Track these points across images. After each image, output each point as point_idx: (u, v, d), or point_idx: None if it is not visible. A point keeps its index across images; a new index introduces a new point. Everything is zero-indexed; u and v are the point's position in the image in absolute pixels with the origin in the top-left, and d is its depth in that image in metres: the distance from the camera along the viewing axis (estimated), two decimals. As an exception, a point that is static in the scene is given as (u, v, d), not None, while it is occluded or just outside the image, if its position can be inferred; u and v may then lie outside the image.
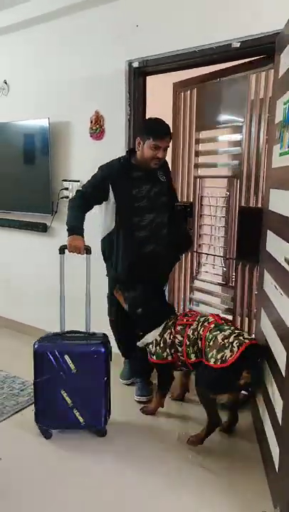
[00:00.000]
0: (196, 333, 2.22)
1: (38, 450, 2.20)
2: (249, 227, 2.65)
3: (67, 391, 2.16)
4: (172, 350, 2.31)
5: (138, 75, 2.92)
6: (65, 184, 3.30)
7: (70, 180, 3.27)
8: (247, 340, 2.03)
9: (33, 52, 3.38)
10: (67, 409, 2.19)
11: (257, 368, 2.07)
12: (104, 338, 2.24)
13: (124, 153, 2.64)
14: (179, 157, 3.18)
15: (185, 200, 3.17)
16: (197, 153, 3.09)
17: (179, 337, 2.29)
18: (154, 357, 2.37)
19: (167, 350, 2.32)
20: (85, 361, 2.14)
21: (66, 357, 2.14)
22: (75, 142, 3.25)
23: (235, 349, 1.99)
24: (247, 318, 2.80)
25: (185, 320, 2.33)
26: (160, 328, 2.37)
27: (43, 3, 3.09)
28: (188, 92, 3.05)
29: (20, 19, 3.25)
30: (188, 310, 2.67)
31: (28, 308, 3.73)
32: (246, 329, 2.78)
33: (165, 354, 2.33)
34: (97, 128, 3.10)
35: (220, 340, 2.06)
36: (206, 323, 2.22)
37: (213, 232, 3.09)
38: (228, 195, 2.95)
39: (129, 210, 2.49)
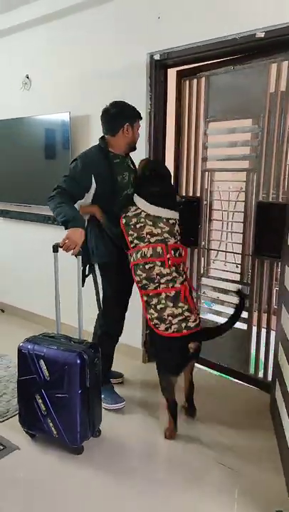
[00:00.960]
0: (158, 277, 2.21)
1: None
2: (269, 223, 2.54)
3: (41, 397, 2.06)
4: None
5: (159, 67, 2.78)
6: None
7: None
8: (185, 331, 2.14)
9: (54, 47, 3.33)
10: (41, 416, 2.09)
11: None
12: (86, 349, 2.07)
13: (145, 146, 2.60)
14: (184, 149, 2.94)
15: (191, 194, 2.95)
16: (206, 146, 2.83)
17: (148, 249, 2.26)
18: None
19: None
20: (58, 370, 2.01)
21: (41, 362, 2.04)
22: (96, 136, 3.08)
23: (172, 331, 2.14)
24: (266, 315, 2.71)
25: (168, 256, 2.22)
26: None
27: (61, 0, 3.03)
28: (195, 80, 2.80)
29: (42, 14, 3.21)
30: None
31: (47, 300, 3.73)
32: (265, 325, 2.70)
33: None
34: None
35: (165, 315, 2.16)
36: (170, 284, 2.19)
37: (224, 228, 2.84)
38: (242, 189, 2.69)
39: (117, 198, 2.37)
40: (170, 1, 2.61)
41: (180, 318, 2.15)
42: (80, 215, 2.27)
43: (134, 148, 2.51)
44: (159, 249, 2.21)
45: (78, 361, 1.99)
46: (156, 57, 2.73)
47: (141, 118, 2.48)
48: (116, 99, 2.93)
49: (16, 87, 3.61)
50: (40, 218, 3.66)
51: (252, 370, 2.80)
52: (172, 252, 2.23)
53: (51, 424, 2.08)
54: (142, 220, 2.24)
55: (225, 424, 2.38)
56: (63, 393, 2.02)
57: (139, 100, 2.80)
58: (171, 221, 2.28)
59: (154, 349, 2.53)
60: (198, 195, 2.91)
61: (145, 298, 2.23)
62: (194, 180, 2.93)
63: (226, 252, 2.87)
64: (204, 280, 3.00)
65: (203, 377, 2.87)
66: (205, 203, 2.89)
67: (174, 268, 2.21)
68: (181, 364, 2.25)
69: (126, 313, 2.62)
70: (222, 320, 2.89)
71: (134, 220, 2.25)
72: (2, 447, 2.15)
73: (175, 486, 1.95)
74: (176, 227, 2.31)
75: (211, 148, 2.83)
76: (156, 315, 2.18)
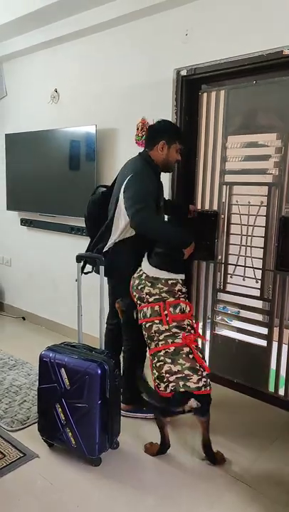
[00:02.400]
0: (157, 334, 2.18)
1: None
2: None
3: (61, 406, 2.08)
4: None
5: (186, 83, 2.81)
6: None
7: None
8: (182, 390, 2.00)
9: (82, 62, 3.41)
10: (60, 426, 2.10)
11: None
12: (107, 359, 2.09)
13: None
14: (200, 162, 2.92)
15: (207, 207, 2.93)
16: (224, 159, 2.81)
17: (148, 309, 2.28)
18: None
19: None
20: (79, 379, 2.02)
21: (62, 370, 2.06)
22: (121, 149, 3.21)
23: (169, 391, 2.01)
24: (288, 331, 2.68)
25: (165, 312, 2.21)
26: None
27: (91, 17, 3.10)
28: (214, 93, 2.80)
29: (71, 31, 3.29)
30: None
31: (69, 309, 3.77)
32: (288, 341, 2.64)
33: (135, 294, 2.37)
34: (143, 135, 3.02)
35: (163, 372, 2.05)
36: (170, 340, 2.14)
37: (243, 242, 2.83)
38: (263, 203, 2.68)
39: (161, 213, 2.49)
40: (197, 18, 2.65)
41: (179, 375, 2.03)
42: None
43: (168, 170, 2.54)
44: (156, 307, 2.22)
45: (99, 371, 2.01)
46: (183, 72, 2.77)
47: (180, 140, 2.47)
48: (142, 114, 3.02)
49: (45, 100, 3.70)
50: (64, 228, 3.72)
51: (272, 388, 2.76)
52: (171, 309, 2.21)
53: (70, 434, 2.09)
54: (143, 281, 2.28)
55: (244, 443, 2.34)
56: (83, 403, 2.04)
57: (166, 115, 2.83)
58: (170, 281, 2.27)
59: None
60: (215, 208, 2.90)
61: (151, 358, 2.18)
62: (211, 194, 2.92)
63: (245, 266, 2.85)
64: (221, 295, 2.98)
65: (219, 395, 2.81)
66: (222, 216, 2.88)
67: (174, 324, 2.18)
68: (169, 412, 2.11)
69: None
70: (239, 336, 2.88)
71: (136, 282, 2.31)
72: (22, 454, 2.18)
73: (192, 502, 1.93)
74: (178, 286, 2.28)
75: (230, 162, 2.82)
76: (156, 374, 2.09)
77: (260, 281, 2.79)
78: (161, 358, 2.10)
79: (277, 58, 2.35)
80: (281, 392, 2.72)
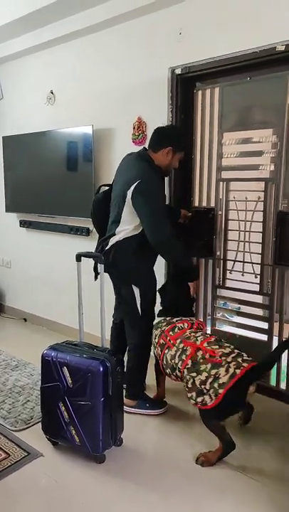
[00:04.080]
0: (173, 361, 2.24)
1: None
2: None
3: (64, 404, 2.10)
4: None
5: (180, 81, 2.83)
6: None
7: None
8: (221, 390, 1.99)
9: (77, 63, 3.43)
10: (64, 424, 2.12)
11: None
12: (109, 357, 2.10)
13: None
14: (197, 159, 2.94)
15: (205, 204, 2.95)
16: (221, 156, 2.83)
17: (159, 350, 2.40)
18: None
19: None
20: (81, 377, 2.04)
21: (65, 369, 2.07)
22: (118, 148, 3.22)
23: (214, 397, 2.01)
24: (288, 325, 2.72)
25: (168, 338, 2.34)
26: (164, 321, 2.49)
27: (85, 18, 3.12)
28: (209, 90, 2.81)
29: (65, 32, 3.31)
30: (196, 321, 2.53)
31: (70, 309, 3.79)
32: (288, 335, 2.62)
33: (152, 347, 2.53)
34: (140, 134, 3.06)
35: (198, 385, 2.07)
36: (183, 356, 2.19)
37: (241, 238, 2.85)
38: (260, 198, 2.70)
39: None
40: (190, 17, 2.67)
41: (210, 380, 2.04)
42: None
43: (166, 175, 2.61)
44: (161, 341, 2.38)
45: (101, 369, 2.02)
46: (178, 71, 2.79)
47: (184, 152, 2.57)
48: (138, 113, 3.03)
49: (41, 102, 3.72)
50: (63, 229, 3.73)
51: (273, 382, 2.77)
52: (169, 333, 2.36)
53: (74, 432, 2.10)
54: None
55: (247, 436, 2.36)
56: (86, 401, 2.05)
57: (161, 113, 2.89)
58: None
59: None
60: (212, 205, 2.91)
61: (184, 383, 2.20)
62: (208, 190, 2.93)
63: (244, 262, 2.86)
64: (220, 291, 3.00)
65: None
66: (220, 213, 2.89)
67: (178, 341, 2.28)
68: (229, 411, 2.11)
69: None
70: (240, 331, 2.90)
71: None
72: (26, 454, 2.19)
73: (197, 497, 1.94)
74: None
75: (226, 158, 2.83)
76: (195, 393, 2.08)
77: (259, 276, 2.80)
78: (188, 376, 2.12)
79: (271, 55, 2.36)
80: (283, 385, 2.73)
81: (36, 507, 1.90)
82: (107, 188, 2.71)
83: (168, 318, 2.48)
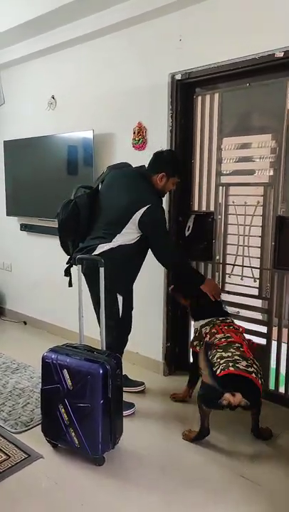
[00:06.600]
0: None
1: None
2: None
3: (64, 407, 2.11)
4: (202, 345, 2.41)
5: (180, 87, 2.87)
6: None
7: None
8: (232, 368, 2.08)
9: (78, 68, 3.46)
10: (64, 426, 2.13)
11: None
12: (109, 360, 2.12)
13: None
14: (196, 164, 2.98)
15: (204, 209, 2.98)
16: (220, 161, 2.86)
17: (208, 337, 2.45)
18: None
19: (197, 341, 2.53)
20: (81, 380, 2.05)
21: (65, 371, 2.09)
22: (118, 153, 3.25)
23: (218, 371, 2.10)
24: (286, 330, 2.73)
25: (216, 341, 2.35)
26: (204, 321, 2.55)
27: (86, 25, 3.16)
28: (208, 96, 2.86)
29: (67, 39, 3.35)
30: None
31: (70, 312, 3.80)
32: (286, 340, 2.68)
33: (195, 343, 2.54)
34: (140, 139, 3.09)
35: (215, 359, 2.18)
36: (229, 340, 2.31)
37: (241, 242, 2.87)
38: (259, 203, 2.73)
39: None
40: (190, 24, 2.70)
41: (229, 359, 2.14)
42: None
43: (161, 196, 2.63)
44: (214, 330, 2.47)
45: (101, 371, 2.03)
46: (178, 77, 2.82)
47: (179, 175, 2.63)
48: (138, 118, 3.06)
49: (42, 107, 3.75)
50: (64, 232, 3.74)
51: (272, 386, 2.78)
52: (225, 327, 2.47)
53: (73, 434, 2.11)
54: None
55: (246, 439, 2.37)
56: (86, 403, 2.06)
57: (162, 118, 2.92)
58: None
59: None
60: (212, 209, 2.94)
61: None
62: (208, 195, 2.96)
63: (243, 266, 2.89)
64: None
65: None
66: (219, 217, 2.92)
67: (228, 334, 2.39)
68: (211, 402, 2.15)
69: (147, 327, 2.81)
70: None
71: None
72: (26, 455, 2.20)
73: (196, 500, 1.95)
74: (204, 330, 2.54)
75: (226, 163, 2.86)
76: (209, 368, 2.15)
77: (258, 280, 2.82)
78: (214, 351, 2.25)
79: (270, 61, 2.40)
80: (281, 389, 2.75)
81: (36, 509, 1.91)
82: (87, 190, 2.68)
83: (221, 318, 2.55)
